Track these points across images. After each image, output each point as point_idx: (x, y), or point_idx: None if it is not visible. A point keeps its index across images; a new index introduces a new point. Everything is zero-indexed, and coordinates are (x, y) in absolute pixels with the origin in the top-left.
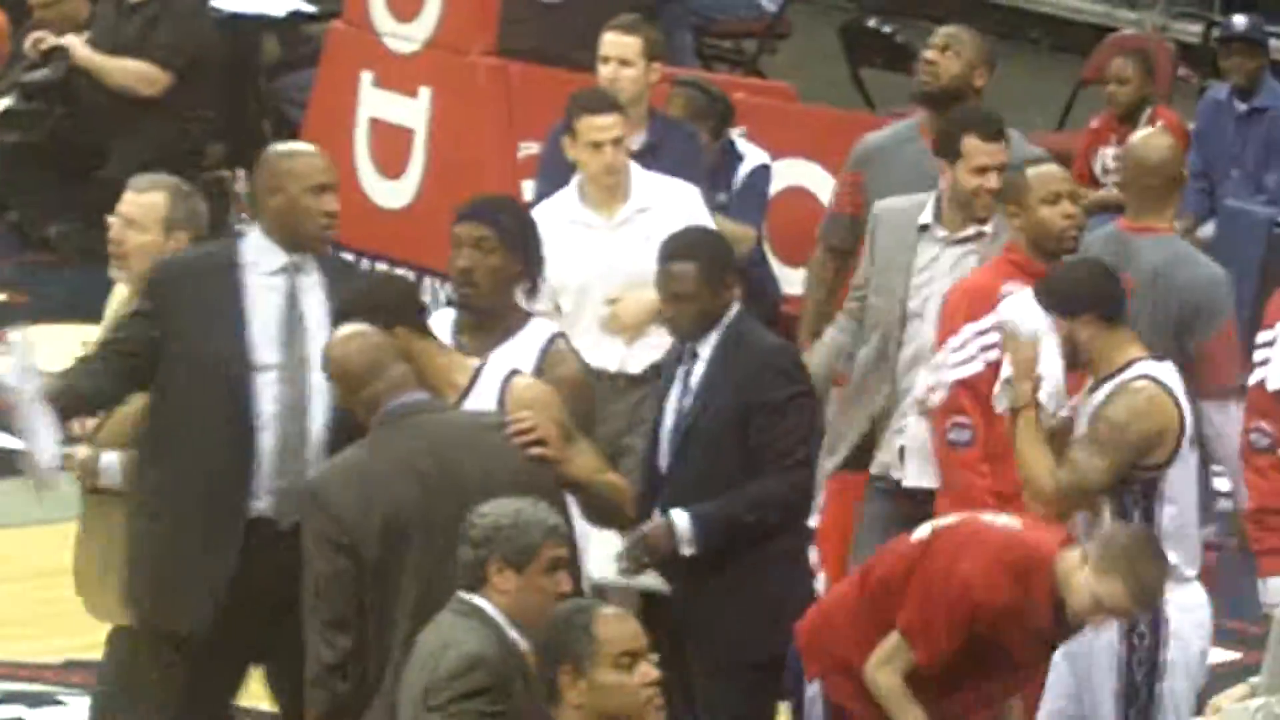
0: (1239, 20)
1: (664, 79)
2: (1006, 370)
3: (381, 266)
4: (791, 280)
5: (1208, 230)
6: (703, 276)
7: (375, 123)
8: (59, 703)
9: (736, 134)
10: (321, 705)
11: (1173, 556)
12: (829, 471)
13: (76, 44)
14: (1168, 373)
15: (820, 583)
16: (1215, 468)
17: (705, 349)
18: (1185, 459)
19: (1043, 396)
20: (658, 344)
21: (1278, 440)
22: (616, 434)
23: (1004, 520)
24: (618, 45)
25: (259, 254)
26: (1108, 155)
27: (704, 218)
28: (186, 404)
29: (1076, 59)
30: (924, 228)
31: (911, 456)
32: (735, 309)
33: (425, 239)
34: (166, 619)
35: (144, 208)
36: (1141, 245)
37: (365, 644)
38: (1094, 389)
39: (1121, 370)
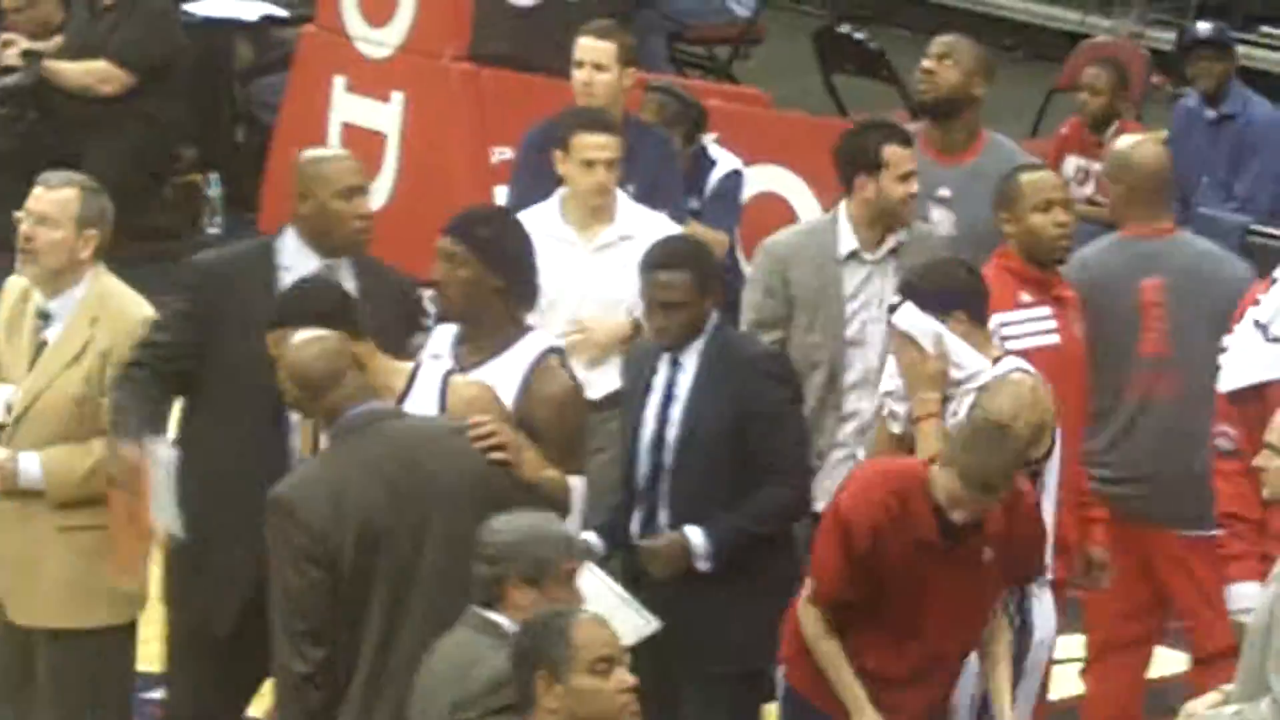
0: (1203, 26)
1: (637, 84)
2: (891, 384)
3: None
4: None
5: None
6: (694, 285)
7: (348, 127)
8: None
9: (709, 140)
10: (295, 716)
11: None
12: None
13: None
14: (1030, 367)
15: None
16: None
17: (689, 358)
18: (1055, 453)
19: (976, 385)
20: (614, 373)
21: (1240, 444)
22: None
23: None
24: (593, 50)
25: (294, 257)
26: (1075, 163)
27: None
28: (220, 405)
29: (1050, 66)
30: (852, 254)
31: None
32: (714, 316)
33: (397, 243)
34: (201, 617)
35: (57, 204)
36: (1162, 248)
37: (336, 653)
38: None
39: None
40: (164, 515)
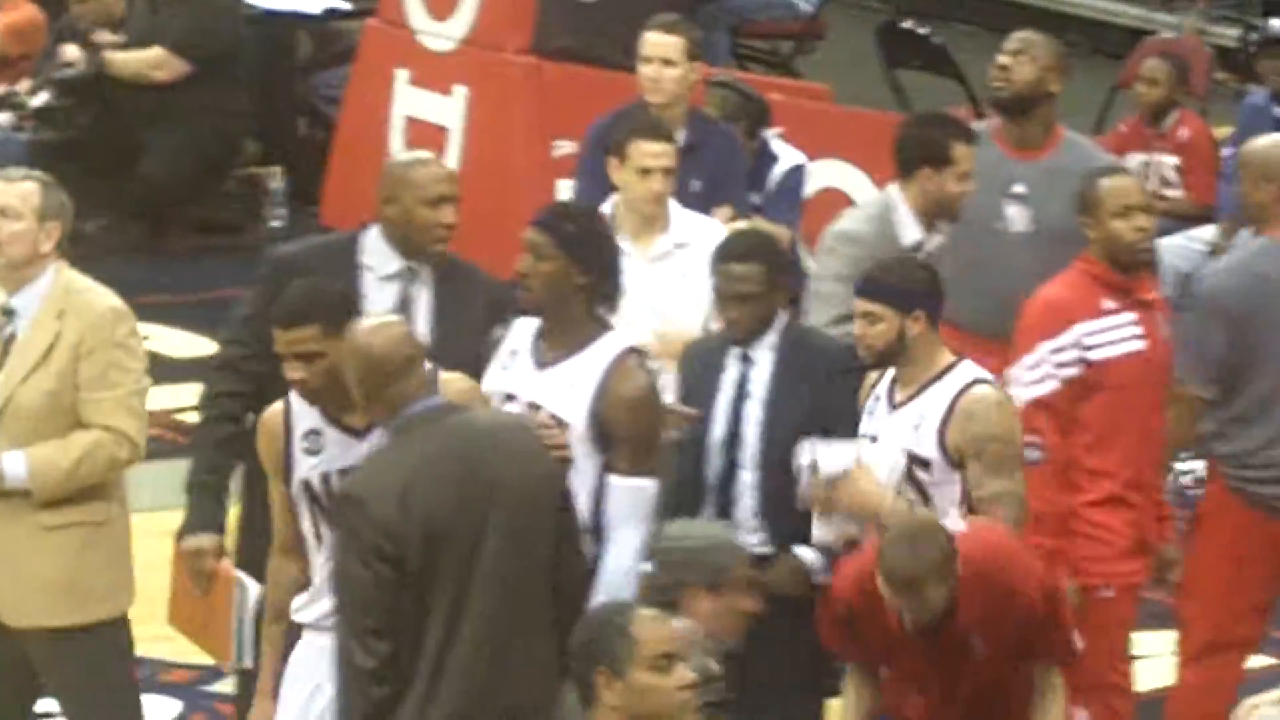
0: (1275, 23)
1: (701, 80)
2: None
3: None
4: None
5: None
6: (767, 277)
7: (410, 121)
8: None
9: (772, 135)
10: (359, 711)
11: None
12: None
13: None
14: (990, 376)
15: None
16: None
17: (761, 353)
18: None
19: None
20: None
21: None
22: None
23: None
24: (661, 45)
25: (376, 256)
26: (1137, 159)
27: None
28: None
29: (1113, 62)
30: (916, 245)
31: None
32: (784, 312)
33: (459, 236)
34: None
35: (20, 196)
36: None
37: (400, 649)
38: (918, 392)
39: (945, 372)
40: (238, 650)
